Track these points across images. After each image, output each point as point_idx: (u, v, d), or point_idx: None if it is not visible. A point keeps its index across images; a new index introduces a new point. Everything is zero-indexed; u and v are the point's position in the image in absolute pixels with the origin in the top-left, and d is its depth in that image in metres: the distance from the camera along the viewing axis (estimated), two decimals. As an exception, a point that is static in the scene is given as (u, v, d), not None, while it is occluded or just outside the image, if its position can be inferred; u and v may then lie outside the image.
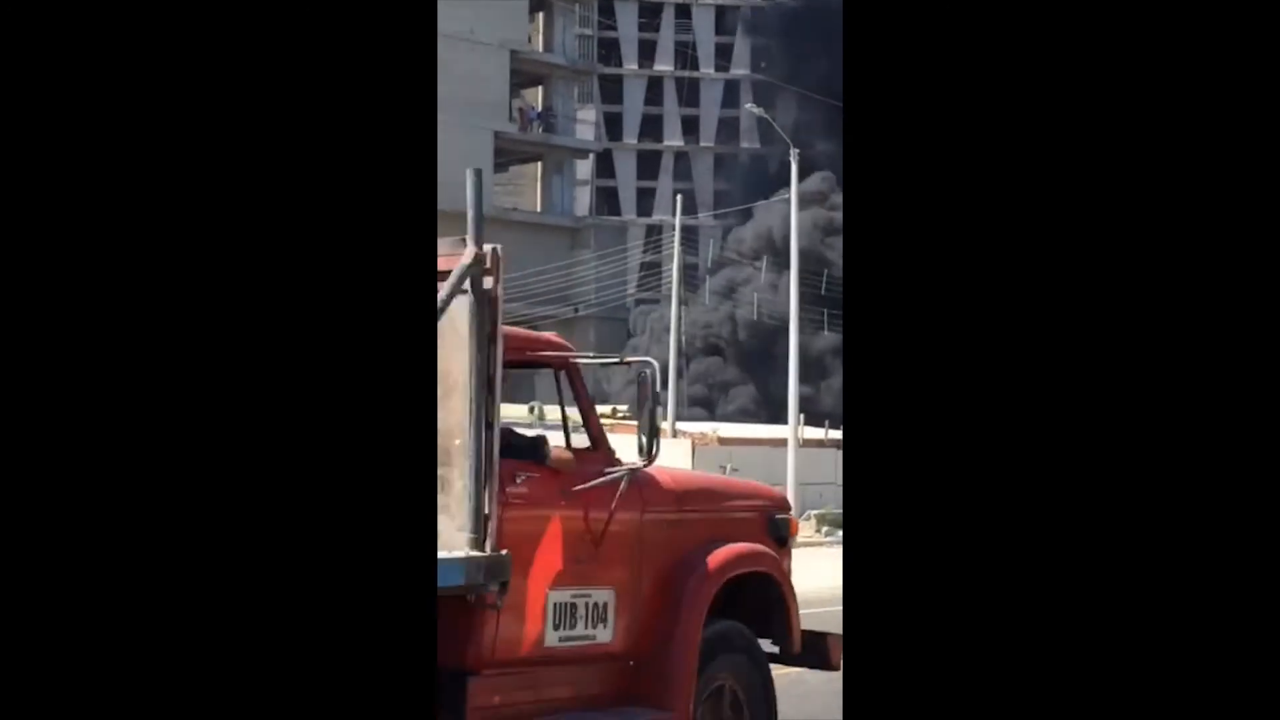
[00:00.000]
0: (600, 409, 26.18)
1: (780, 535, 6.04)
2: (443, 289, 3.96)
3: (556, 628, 4.59)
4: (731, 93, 52.77)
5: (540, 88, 42.30)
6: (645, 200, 52.50)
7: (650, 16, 53.23)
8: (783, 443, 22.16)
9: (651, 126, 53.47)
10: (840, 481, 23.14)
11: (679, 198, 29.08)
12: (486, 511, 4.08)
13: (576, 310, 37.21)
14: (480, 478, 4.06)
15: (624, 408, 28.45)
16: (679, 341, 24.02)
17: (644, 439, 4.99)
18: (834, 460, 24.06)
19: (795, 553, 17.93)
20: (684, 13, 53.60)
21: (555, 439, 5.84)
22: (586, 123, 45.25)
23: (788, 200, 24.19)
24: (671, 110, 53.28)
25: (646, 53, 52.76)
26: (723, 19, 54.24)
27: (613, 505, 4.72)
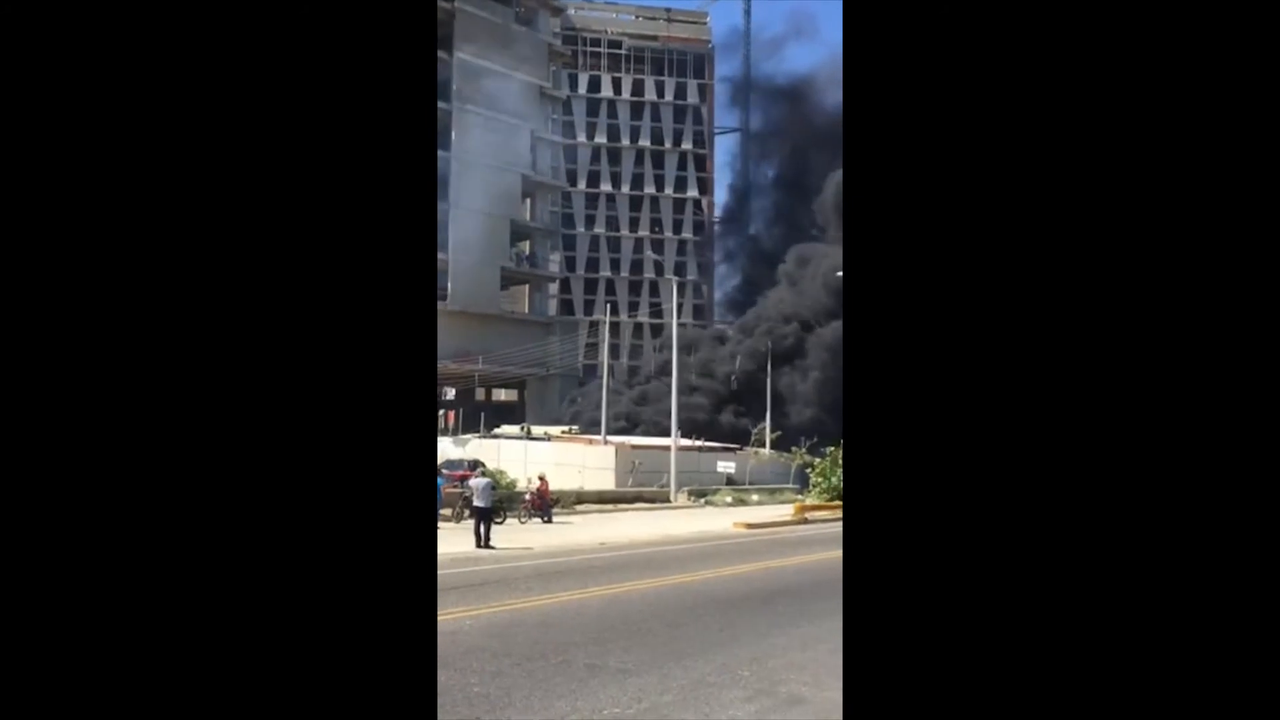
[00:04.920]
0: (556, 429, 44.07)
1: None
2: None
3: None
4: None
5: (528, 240, 62.43)
6: (589, 308, 77.91)
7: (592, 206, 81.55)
8: (668, 447, 33.93)
9: (592, 264, 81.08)
10: (701, 469, 36.19)
11: (608, 307, 44.94)
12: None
13: (548, 370, 58.90)
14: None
15: (575, 427, 42.84)
16: (607, 386, 38.69)
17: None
18: (699, 458, 36.64)
19: (678, 510, 32.07)
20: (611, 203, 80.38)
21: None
22: (554, 261, 69.04)
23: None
24: (603, 257, 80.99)
25: (588, 223, 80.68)
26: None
27: None
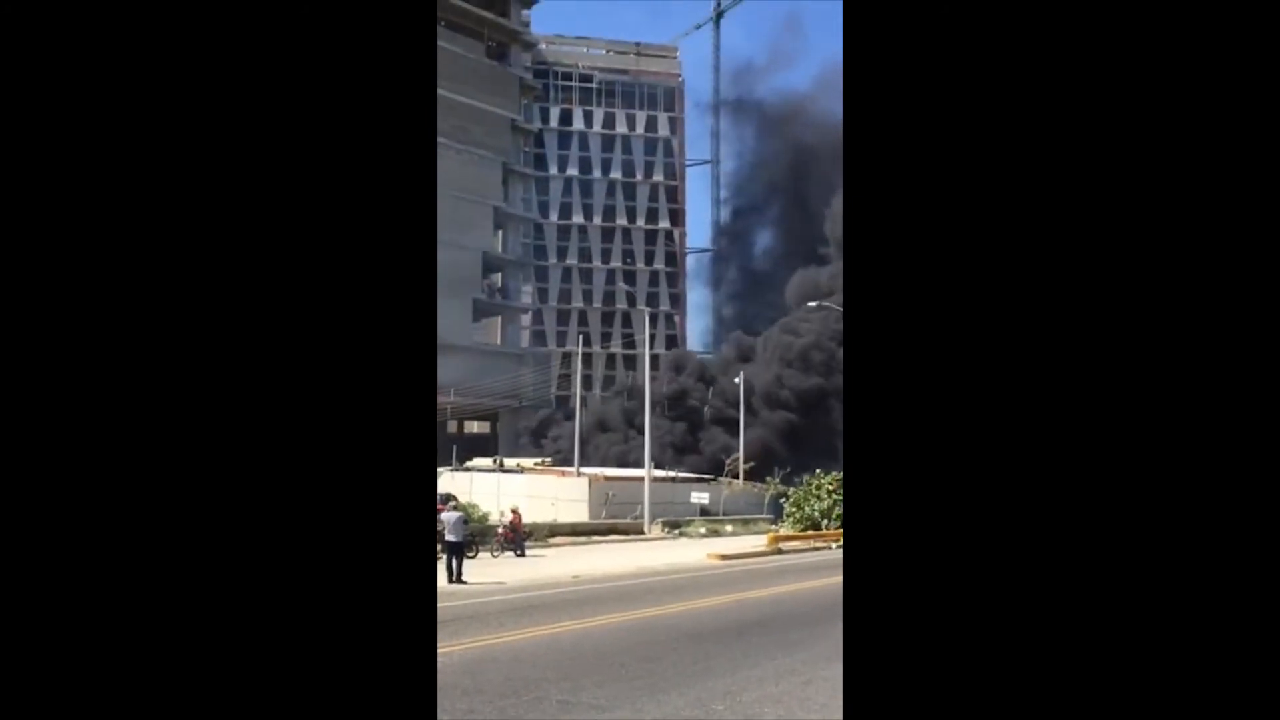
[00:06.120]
0: (530, 461, 43.60)
1: None
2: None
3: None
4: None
5: (500, 273, 62.75)
6: (561, 339, 77.95)
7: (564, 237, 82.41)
8: (641, 478, 33.81)
9: (564, 295, 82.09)
10: (675, 500, 36.17)
11: (580, 338, 44.47)
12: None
13: (520, 402, 58.76)
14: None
15: (550, 459, 42.39)
16: (581, 420, 38.37)
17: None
18: (673, 489, 36.42)
19: (652, 542, 32.02)
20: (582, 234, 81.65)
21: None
22: (527, 293, 69.41)
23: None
24: (576, 288, 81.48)
25: (560, 255, 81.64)
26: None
27: None
